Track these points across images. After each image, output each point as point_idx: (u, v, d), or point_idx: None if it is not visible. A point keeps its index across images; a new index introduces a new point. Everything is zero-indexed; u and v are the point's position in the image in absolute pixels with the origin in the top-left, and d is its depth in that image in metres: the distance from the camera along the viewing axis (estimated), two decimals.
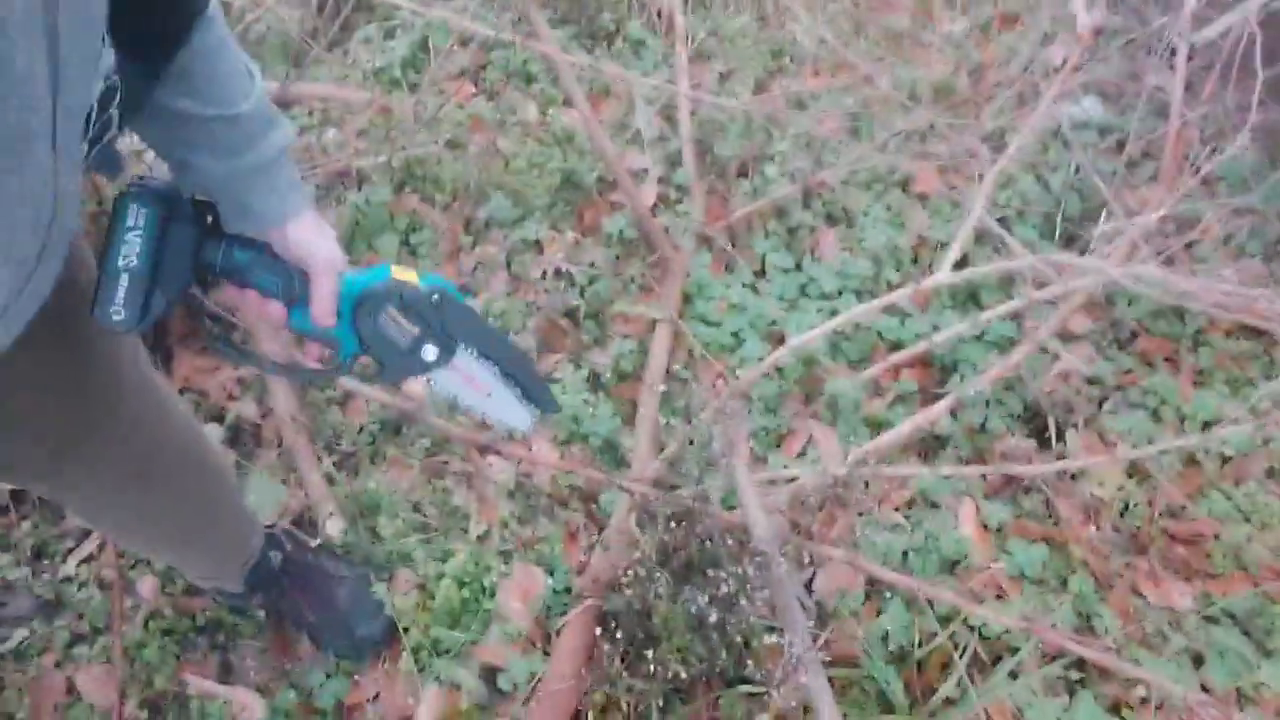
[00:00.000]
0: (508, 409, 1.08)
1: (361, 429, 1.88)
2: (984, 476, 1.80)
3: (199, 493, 1.32)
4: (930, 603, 1.56)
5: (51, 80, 0.61)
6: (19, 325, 0.70)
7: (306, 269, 0.94)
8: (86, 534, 1.73)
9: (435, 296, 0.97)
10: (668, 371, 1.95)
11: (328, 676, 1.57)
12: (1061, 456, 1.83)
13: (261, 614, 1.61)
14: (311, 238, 0.94)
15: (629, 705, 1.47)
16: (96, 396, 1.06)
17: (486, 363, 1.04)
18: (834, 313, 2.01)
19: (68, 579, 1.68)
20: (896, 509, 1.77)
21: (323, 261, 0.94)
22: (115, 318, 0.88)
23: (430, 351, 0.98)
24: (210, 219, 0.94)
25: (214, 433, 1.85)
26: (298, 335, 0.98)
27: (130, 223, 0.87)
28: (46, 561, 1.70)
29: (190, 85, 0.85)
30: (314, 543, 1.65)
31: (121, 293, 0.88)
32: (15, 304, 0.69)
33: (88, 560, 1.70)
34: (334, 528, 1.66)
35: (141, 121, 0.87)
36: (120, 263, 0.87)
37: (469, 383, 1.05)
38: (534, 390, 1.08)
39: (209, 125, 0.88)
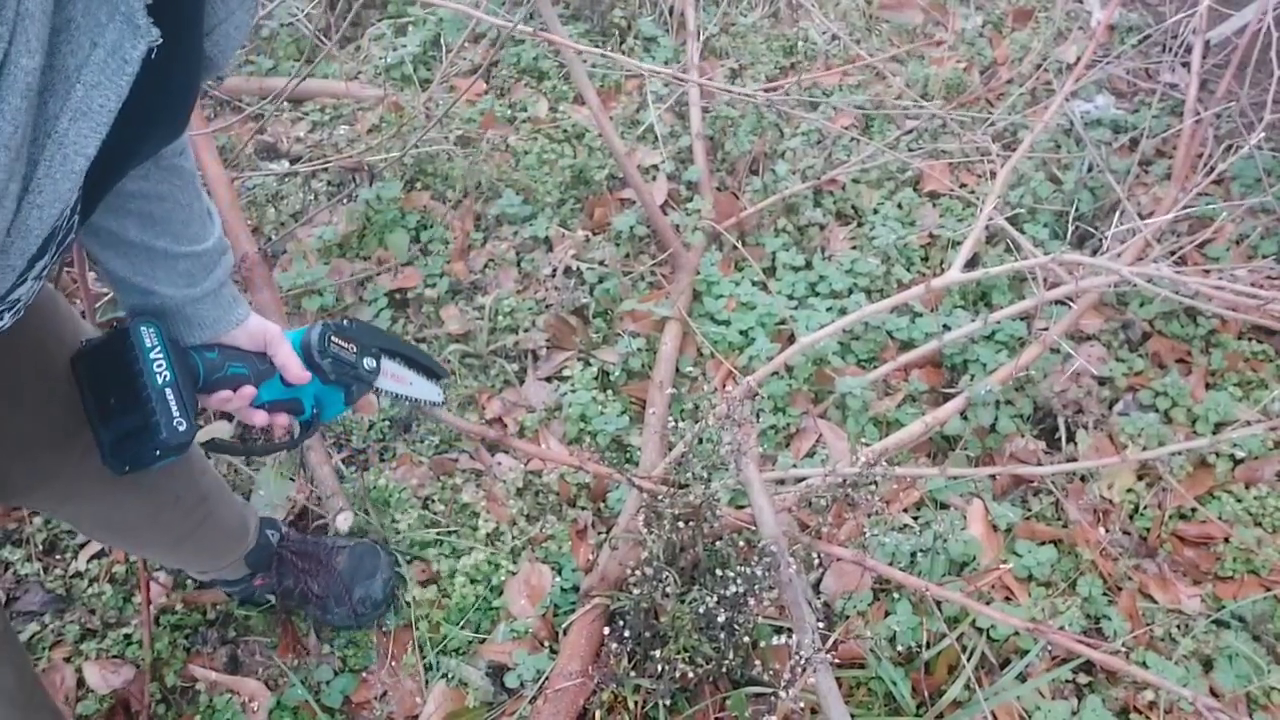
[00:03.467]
0: (425, 389, 1.32)
1: (371, 426, 1.88)
2: (993, 477, 1.80)
3: (190, 490, 1.31)
4: (938, 604, 1.56)
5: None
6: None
7: (266, 346, 1.06)
8: None
9: (346, 320, 1.16)
10: (677, 370, 1.95)
11: (335, 673, 1.58)
12: (1072, 458, 1.82)
13: (270, 598, 1.62)
14: (261, 322, 1.07)
15: (636, 705, 1.47)
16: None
17: (397, 359, 1.24)
18: (844, 311, 2.01)
19: (78, 574, 1.69)
20: (905, 509, 1.77)
21: (278, 334, 1.07)
22: (181, 428, 0.92)
23: (369, 362, 1.15)
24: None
25: (223, 429, 1.86)
26: (265, 408, 1.08)
27: (149, 344, 0.94)
28: (58, 557, 1.72)
29: (166, 227, 0.96)
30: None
31: (175, 407, 0.92)
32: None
33: (98, 556, 1.71)
34: (343, 524, 1.66)
35: (108, 256, 0.96)
36: (159, 381, 0.93)
37: (397, 380, 1.25)
38: (431, 366, 1.31)
39: (179, 261, 0.98)
